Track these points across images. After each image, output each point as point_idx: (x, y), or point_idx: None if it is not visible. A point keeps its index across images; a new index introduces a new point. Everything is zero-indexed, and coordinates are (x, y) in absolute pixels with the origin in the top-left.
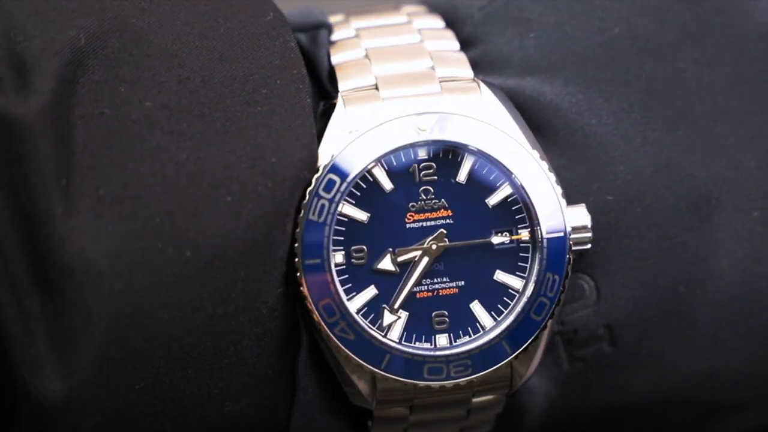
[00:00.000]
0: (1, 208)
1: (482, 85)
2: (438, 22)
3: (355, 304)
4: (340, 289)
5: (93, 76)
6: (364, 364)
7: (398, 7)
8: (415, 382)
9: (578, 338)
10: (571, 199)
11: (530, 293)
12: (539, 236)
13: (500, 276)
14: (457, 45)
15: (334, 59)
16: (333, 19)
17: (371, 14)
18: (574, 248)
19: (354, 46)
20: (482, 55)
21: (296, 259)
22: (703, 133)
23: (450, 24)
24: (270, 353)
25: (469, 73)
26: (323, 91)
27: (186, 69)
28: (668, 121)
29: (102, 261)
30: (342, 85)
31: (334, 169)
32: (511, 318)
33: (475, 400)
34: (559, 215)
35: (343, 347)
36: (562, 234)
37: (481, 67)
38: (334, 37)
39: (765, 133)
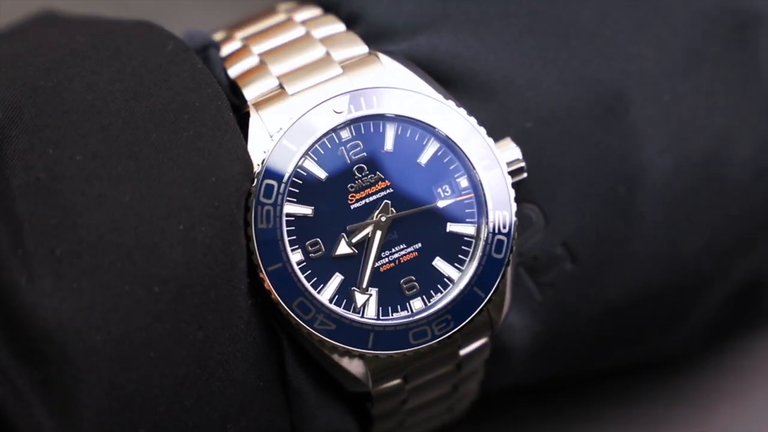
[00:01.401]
0: None
1: (380, 54)
2: (316, 11)
3: (325, 295)
4: (308, 285)
5: (19, 146)
6: (352, 348)
7: (273, 9)
8: (403, 351)
9: (539, 264)
10: (492, 136)
11: (485, 235)
12: (478, 179)
13: (452, 227)
14: (342, 26)
15: (232, 72)
16: (217, 37)
17: (251, 22)
18: (513, 180)
19: (246, 55)
20: (367, 29)
21: (258, 270)
22: (595, 38)
23: (327, 9)
24: (256, 365)
25: (364, 48)
26: (231, 105)
27: (105, 115)
28: (559, 36)
29: (76, 318)
30: (248, 94)
31: (268, 174)
32: (475, 263)
33: (462, 352)
34: (491, 154)
35: (327, 339)
36: (498, 170)
37: (370, 41)
38: (223, 52)
39: (650, 21)
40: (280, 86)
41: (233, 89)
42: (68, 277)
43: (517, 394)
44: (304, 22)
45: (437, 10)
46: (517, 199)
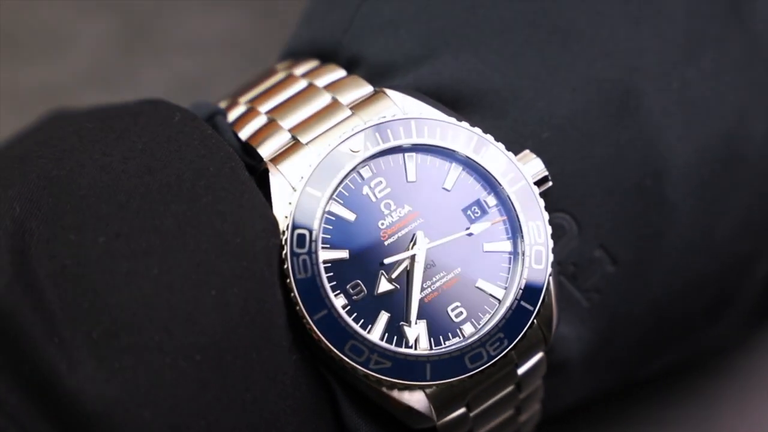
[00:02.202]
0: (8, 391)
1: (387, 90)
2: (314, 63)
3: (375, 334)
4: (356, 327)
5: (41, 237)
6: (411, 383)
7: (272, 70)
8: (462, 376)
9: (580, 271)
10: (511, 151)
11: (522, 248)
12: (505, 194)
13: (488, 246)
14: (343, 72)
15: (243, 135)
16: (221, 105)
17: (252, 85)
18: (540, 190)
19: (254, 116)
20: (369, 70)
21: (304, 321)
22: (595, 40)
23: (324, 59)
24: (310, 419)
25: (369, 87)
26: (247, 166)
27: (122, 193)
28: (560, 43)
29: (122, 397)
30: (263, 152)
31: (297, 224)
32: (517, 278)
33: (520, 371)
34: (513, 167)
35: (384, 377)
36: (523, 182)
37: (375, 81)
38: (230, 118)
39: (645, 14)
40: (294, 138)
41: (246, 151)
42: (108, 358)
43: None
44: (305, 75)
45: (435, 39)
46: (546, 210)
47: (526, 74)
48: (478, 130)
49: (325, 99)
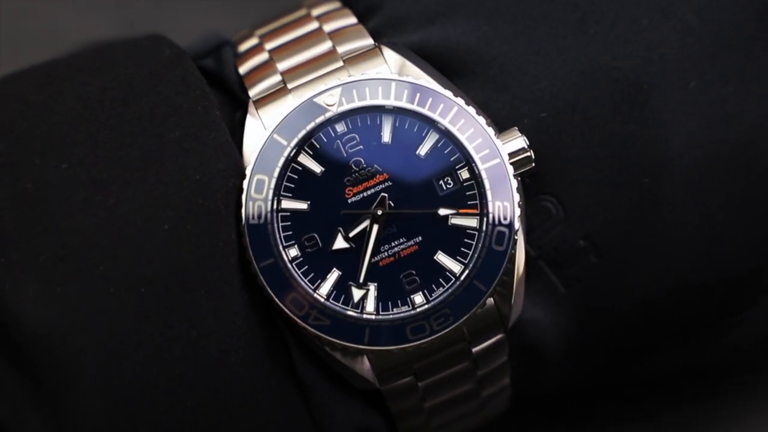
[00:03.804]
0: None
1: (383, 47)
2: (335, 4)
3: (324, 290)
4: (301, 281)
5: (8, 159)
6: (347, 344)
7: (299, 5)
8: (401, 346)
9: (561, 257)
10: (505, 127)
11: (485, 226)
12: (477, 170)
13: (454, 220)
14: (353, 20)
15: (242, 70)
16: (241, 34)
17: (274, 18)
18: (517, 172)
19: (258, 52)
20: (383, 20)
21: (251, 266)
22: (614, 25)
23: (348, 2)
24: (263, 363)
25: (369, 41)
26: (240, 103)
27: (93, 123)
28: (577, 23)
29: (61, 321)
30: (252, 92)
31: (258, 168)
32: (475, 256)
33: (474, 349)
34: (491, 144)
35: (322, 334)
36: (498, 160)
37: (385, 32)
38: (241, 49)
39: (675, 4)
40: (282, 82)
41: (243, 86)
42: (52, 282)
43: (561, 397)
44: (319, 17)
45: None
46: (534, 191)
47: (535, 50)
48: (460, 100)
49: (325, 45)
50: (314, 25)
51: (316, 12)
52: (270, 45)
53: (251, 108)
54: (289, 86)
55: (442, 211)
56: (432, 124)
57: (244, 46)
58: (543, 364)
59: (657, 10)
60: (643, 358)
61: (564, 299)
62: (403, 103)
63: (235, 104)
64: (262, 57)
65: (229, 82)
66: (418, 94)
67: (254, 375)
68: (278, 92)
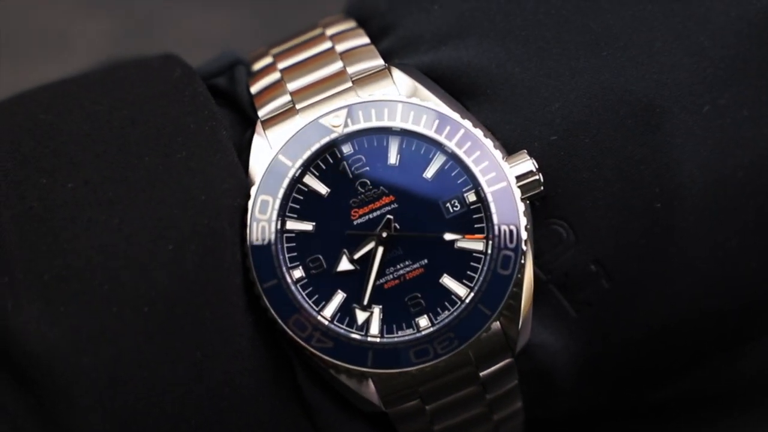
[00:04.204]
0: None
1: (393, 69)
2: (349, 24)
3: (328, 312)
4: (304, 303)
5: (14, 178)
6: (350, 366)
7: (316, 22)
8: (405, 369)
9: (572, 282)
10: (515, 150)
11: (491, 250)
12: (483, 193)
13: (461, 243)
14: (366, 40)
15: (253, 89)
16: (258, 52)
17: (291, 37)
18: (525, 195)
19: (270, 72)
20: (396, 40)
21: (255, 288)
22: (627, 48)
23: (362, 22)
24: (269, 384)
25: (379, 62)
26: (251, 122)
27: (100, 143)
28: (589, 46)
29: (62, 342)
30: (261, 112)
31: (262, 189)
32: (480, 279)
33: (482, 373)
34: (498, 167)
35: (324, 356)
36: (504, 183)
37: (398, 53)
38: (255, 68)
39: (689, 27)
40: (292, 102)
41: (254, 106)
42: (55, 302)
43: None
44: (333, 36)
45: (464, 19)
46: (544, 215)
47: (547, 72)
48: (467, 123)
49: (334, 66)
50: (327, 44)
51: (330, 31)
52: (282, 64)
53: (258, 128)
54: (298, 107)
55: (448, 236)
56: (438, 146)
57: (257, 65)
58: (554, 389)
59: (671, 33)
60: (656, 384)
61: (575, 323)
62: (409, 125)
63: (246, 123)
64: (274, 77)
65: (241, 102)
66: (425, 116)
67: (260, 396)
68: (286, 113)
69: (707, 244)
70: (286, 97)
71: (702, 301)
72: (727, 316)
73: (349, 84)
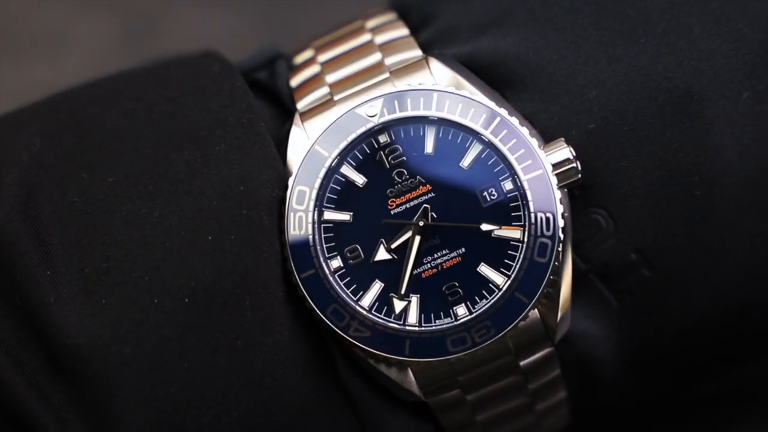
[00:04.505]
0: (2, 316)
1: (431, 59)
2: (389, 17)
3: (365, 302)
4: (342, 292)
5: (55, 173)
6: (387, 355)
7: (360, 15)
8: (442, 358)
9: (612, 271)
10: (553, 138)
11: (528, 238)
12: (519, 181)
13: (498, 232)
14: (405, 31)
15: (293, 82)
16: (298, 45)
17: (333, 30)
18: (563, 183)
19: (310, 65)
20: (436, 31)
21: (292, 277)
22: (665, 34)
23: (403, 14)
24: (310, 374)
25: (417, 53)
26: (291, 115)
27: (140, 137)
28: (627, 33)
29: (104, 333)
30: (300, 104)
31: (299, 180)
32: (517, 267)
33: (522, 362)
34: (534, 155)
35: (363, 345)
36: (541, 171)
37: (437, 44)
38: (296, 61)
39: (728, 13)
40: (330, 94)
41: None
42: (97, 294)
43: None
44: (373, 29)
45: (502, 8)
46: (583, 204)
47: (585, 60)
48: (503, 111)
49: (373, 58)
50: (367, 37)
51: (370, 24)
52: (323, 57)
53: (297, 120)
54: (335, 98)
55: (485, 227)
56: (475, 135)
57: (299, 59)
58: (598, 379)
59: (709, 19)
60: (700, 376)
61: (616, 313)
62: (445, 114)
63: (286, 116)
64: (314, 70)
65: (281, 95)
66: (460, 105)
67: (302, 386)
68: (324, 104)
69: (747, 233)
70: (325, 89)
71: (743, 290)
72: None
73: (387, 75)
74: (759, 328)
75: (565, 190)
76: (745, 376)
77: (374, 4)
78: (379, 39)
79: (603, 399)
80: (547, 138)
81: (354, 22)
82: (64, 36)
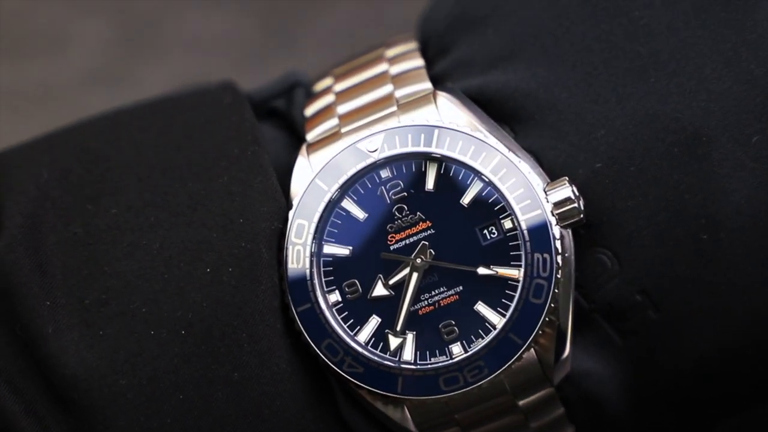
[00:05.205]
0: (3, 345)
1: (438, 94)
2: (410, 46)
3: (362, 337)
4: (337, 327)
5: (60, 204)
6: (380, 392)
7: (385, 42)
8: (434, 397)
9: (617, 311)
10: (559, 177)
11: (523, 278)
12: (517, 221)
13: (496, 269)
14: (419, 63)
15: (307, 112)
16: (321, 73)
17: (356, 56)
18: (565, 223)
19: (326, 93)
20: (451, 63)
21: (290, 311)
22: (675, 74)
23: (425, 42)
24: (310, 406)
25: (426, 86)
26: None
27: (144, 168)
28: (637, 72)
29: (101, 364)
30: (309, 135)
31: (299, 213)
32: (512, 308)
33: (520, 402)
34: (533, 194)
35: (355, 381)
36: (539, 212)
37: (451, 76)
38: (315, 89)
39: (740, 54)
40: (338, 126)
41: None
42: (95, 325)
43: None
44: (391, 59)
45: (515, 43)
46: (589, 243)
47: (594, 98)
48: (504, 149)
49: (384, 90)
50: (384, 67)
51: (390, 53)
52: (339, 87)
53: (303, 151)
54: (342, 130)
55: (482, 271)
56: (475, 172)
57: (318, 87)
58: (606, 417)
59: (721, 59)
60: (711, 415)
61: (621, 352)
62: (445, 151)
63: (300, 145)
64: (328, 99)
65: (296, 124)
66: (461, 142)
67: (301, 419)
68: (331, 136)
69: (756, 277)
70: (334, 121)
71: (751, 333)
72: None
73: (394, 108)
74: (761, 368)
75: (569, 230)
76: (758, 415)
77: (375, 3)
78: (394, 70)
79: None
80: (553, 176)
81: (377, 49)
82: (64, 36)
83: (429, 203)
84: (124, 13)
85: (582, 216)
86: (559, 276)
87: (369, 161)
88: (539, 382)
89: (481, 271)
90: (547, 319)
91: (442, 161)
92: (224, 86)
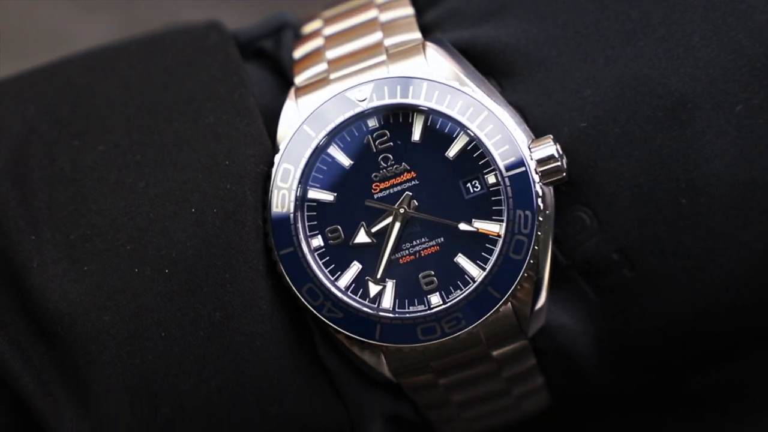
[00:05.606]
0: None
1: (428, 45)
2: None
3: (342, 282)
4: (318, 272)
5: (46, 139)
6: (357, 337)
7: None
8: (410, 345)
9: (594, 269)
10: (544, 133)
11: (504, 233)
12: (501, 177)
13: (477, 224)
14: (409, 11)
15: (296, 54)
16: (309, 14)
17: (345, 1)
18: (547, 180)
19: (315, 36)
20: (441, 13)
21: (272, 253)
22: (664, 39)
23: None
24: (290, 347)
25: (416, 36)
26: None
27: (131, 107)
28: (626, 34)
29: (85, 299)
30: (297, 79)
31: (285, 158)
32: (492, 262)
33: (494, 353)
34: (518, 151)
35: (334, 326)
36: (523, 169)
37: (441, 25)
38: (303, 31)
39: (729, 24)
40: (327, 71)
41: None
42: (80, 261)
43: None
44: (380, 5)
45: None
46: (570, 201)
47: (582, 57)
48: (491, 104)
49: (373, 37)
50: (373, 13)
51: None
52: (328, 31)
53: (291, 94)
54: (331, 76)
55: (463, 227)
56: (462, 126)
57: (306, 29)
58: (577, 369)
59: (710, 28)
60: (682, 374)
61: (596, 308)
62: (433, 104)
63: (287, 88)
64: (317, 43)
65: (283, 66)
66: (449, 96)
67: (281, 359)
68: (320, 81)
69: (733, 243)
70: (323, 66)
71: (726, 297)
72: (753, 314)
73: (383, 57)
74: (740, 332)
75: (551, 187)
76: (730, 372)
77: None
78: (384, 17)
79: (585, 388)
80: (538, 132)
81: None
82: (64, 36)
83: (414, 154)
84: (124, 14)
85: (564, 174)
86: (539, 233)
87: (357, 110)
88: (514, 335)
89: (462, 227)
90: (525, 274)
91: (429, 113)
92: (210, 25)
